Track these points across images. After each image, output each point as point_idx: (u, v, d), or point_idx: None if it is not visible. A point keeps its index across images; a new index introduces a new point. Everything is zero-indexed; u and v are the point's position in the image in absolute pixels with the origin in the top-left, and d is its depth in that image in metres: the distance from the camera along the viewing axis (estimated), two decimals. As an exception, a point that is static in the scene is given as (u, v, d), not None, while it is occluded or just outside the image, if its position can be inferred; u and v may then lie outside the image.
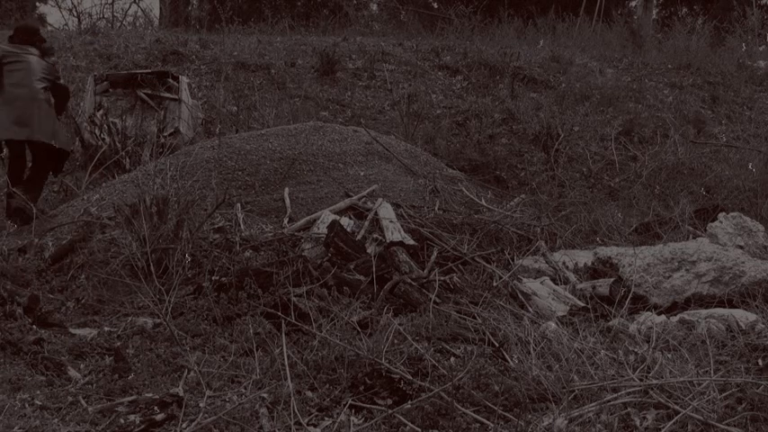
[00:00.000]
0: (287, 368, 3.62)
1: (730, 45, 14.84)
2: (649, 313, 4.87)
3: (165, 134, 8.87)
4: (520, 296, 5.25)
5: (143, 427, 3.29)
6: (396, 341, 3.97)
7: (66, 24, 17.76)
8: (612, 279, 5.50)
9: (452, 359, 3.98)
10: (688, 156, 9.53)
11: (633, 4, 22.29)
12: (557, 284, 5.54)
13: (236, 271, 5.13)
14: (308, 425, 3.36)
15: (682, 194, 7.96)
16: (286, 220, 6.48)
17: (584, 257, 6.06)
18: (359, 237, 5.87)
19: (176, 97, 9.28)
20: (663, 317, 4.78)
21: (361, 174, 7.45)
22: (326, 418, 3.45)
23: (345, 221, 6.10)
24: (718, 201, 7.82)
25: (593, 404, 3.39)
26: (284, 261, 5.23)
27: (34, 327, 4.44)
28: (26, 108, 7.07)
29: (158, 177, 6.08)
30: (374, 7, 22.41)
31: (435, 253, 5.81)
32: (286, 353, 3.77)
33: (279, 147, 7.58)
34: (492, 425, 3.34)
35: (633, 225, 7.30)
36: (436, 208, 7.11)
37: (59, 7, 17.62)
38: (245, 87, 10.85)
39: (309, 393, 3.65)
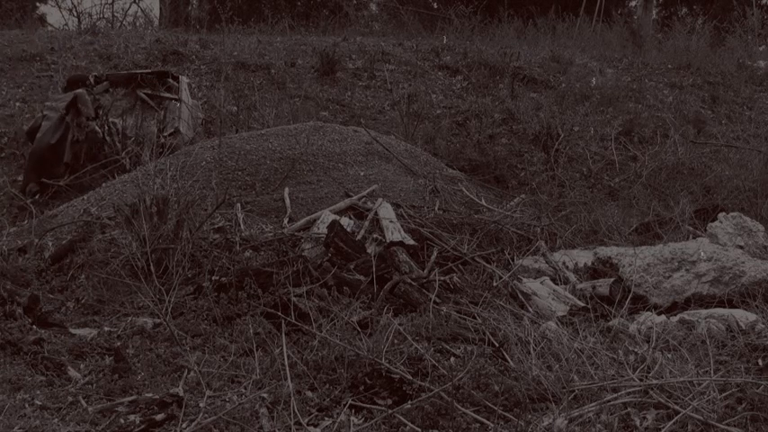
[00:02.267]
0: (287, 368, 3.63)
1: (730, 45, 14.81)
2: (649, 313, 4.87)
3: (165, 134, 8.84)
4: (520, 296, 5.25)
5: (143, 427, 3.29)
6: (396, 341, 3.98)
7: (66, 24, 17.69)
8: (612, 279, 5.50)
9: (452, 359, 3.98)
10: (688, 156, 9.52)
11: (633, 4, 22.28)
12: (557, 284, 5.54)
13: (236, 271, 5.13)
14: (308, 425, 3.36)
15: (682, 194, 7.96)
16: (286, 220, 6.48)
17: (584, 257, 6.06)
18: (359, 237, 5.87)
19: (176, 97, 9.26)
20: (663, 317, 4.78)
21: (361, 174, 7.45)
22: (326, 418, 3.45)
23: (345, 221, 6.10)
24: (718, 201, 7.82)
25: (593, 404, 3.40)
26: (284, 261, 5.23)
27: (34, 327, 4.45)
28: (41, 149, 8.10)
29: (158, 177, 6.08)
30: (374, 7, 22.38)
31: (435, 253, 5.81)
32: (286, 353, 3.78)
33: (279, 147, 7.57)
34: (492, 425, 3.34)
35: (633, 225, 7.29)
36: (436, 208, 7.11)
37: (59, 7, 17.55)
38: (245, 87, 10.82)
39: (309, 393, 3.65)
